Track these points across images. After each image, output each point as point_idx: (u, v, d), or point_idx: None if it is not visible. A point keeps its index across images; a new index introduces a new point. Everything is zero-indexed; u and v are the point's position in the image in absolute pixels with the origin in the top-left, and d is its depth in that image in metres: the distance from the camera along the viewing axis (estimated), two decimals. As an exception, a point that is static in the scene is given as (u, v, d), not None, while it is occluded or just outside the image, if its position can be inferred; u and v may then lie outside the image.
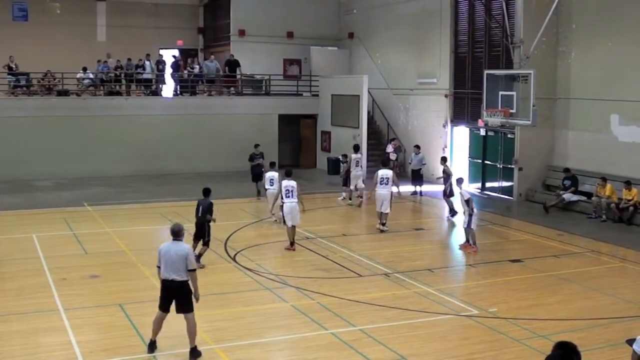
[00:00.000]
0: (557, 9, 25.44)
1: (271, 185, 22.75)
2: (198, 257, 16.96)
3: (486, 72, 26.05)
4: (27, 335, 12.98)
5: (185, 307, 11.93)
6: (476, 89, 29.08)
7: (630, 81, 25.11)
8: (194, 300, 12.04)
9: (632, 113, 25.12)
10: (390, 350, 12.30)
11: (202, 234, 17.84)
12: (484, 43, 30.89)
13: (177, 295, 11.87)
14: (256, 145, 28.29)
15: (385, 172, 22.31)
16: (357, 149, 28.02)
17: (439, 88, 33.08)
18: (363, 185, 27.35)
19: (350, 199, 27.34)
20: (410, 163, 29.86)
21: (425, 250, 20.55)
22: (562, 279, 17.33)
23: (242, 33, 39.52)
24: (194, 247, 17.37)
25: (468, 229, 19.68)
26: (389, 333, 13.15)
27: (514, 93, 24.04)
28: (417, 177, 29.67)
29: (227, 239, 20.83)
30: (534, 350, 12.25)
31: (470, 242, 19.78)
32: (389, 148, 34.04)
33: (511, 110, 23.96)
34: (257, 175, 27.62)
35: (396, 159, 33.75)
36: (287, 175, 20.36)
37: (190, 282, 11.94)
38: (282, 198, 19.95)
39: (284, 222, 20.14)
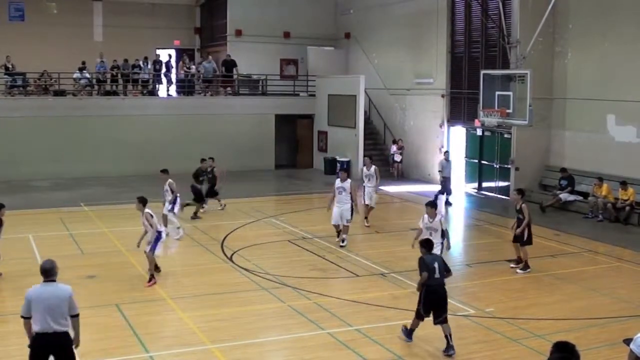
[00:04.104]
0: (553, 9, 25.47)
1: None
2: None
3: (483, 72, 26.12)
4: (24, 335, 12.90)
5: None
6: (473, 89, 29.07)
7: (627, 81, 25.13)
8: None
9: (628, 113, 25.14)
10: (387, 350, 12.31)
11: (438, 306, 12.36)
12: (480, 43, 30.89)
13: (57, 350, 9.52)
14: None
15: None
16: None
17: (435, 88, 33.08)
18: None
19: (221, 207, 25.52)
20: (440, 171, 27.91)
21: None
22: (559, 278, 17.34)
23: (238, 33, 39.50)
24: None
25: None
26: (386, 333, 13.16)
27: (510, 93, 24.09)
28: (448, 186, 27.90)
29: (224, 239, 20.83)
30: (531, 350, 12.28)
31: None
32: (393, 149, 33.98)
33: (508, 110, 24.01)
34: None
35: (400, 161, 33.79)
36: (145, 203, 16.66)
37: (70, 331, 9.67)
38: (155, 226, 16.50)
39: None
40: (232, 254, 19.06)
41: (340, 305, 14.93)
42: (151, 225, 16.17)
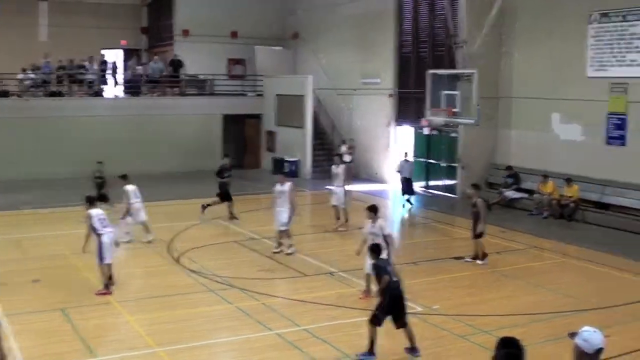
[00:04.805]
0: (499, 10, 25.71)
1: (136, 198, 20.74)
2: None
3: (430, 71, 26.26)
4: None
5: None
6: (420, 88, 29.17)
7: (571, 81, 25.52)
8: None
9: (572, 112, 25.53)
10: (335, 348, 12.33)
11: (400, 309, 12.11)
12: (427, 43, 31.10)
13: None
14: None
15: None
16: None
17: (382, 88, 33.22)
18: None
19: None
20: (399, 172, 28.03)
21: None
22: (505, 275, 17.55)
23: (185, 33, 39.25)
24: None
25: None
26: (334, 332, 13.19)
27: (457, 92, 24.29)
28: (410, 186, 27.74)
29: (171, 240, 20.65)
30: (478, 346, 12.39)
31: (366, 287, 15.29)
32: (343, 149, 33.89)
33: (455, 110, 24.21)
34: None
35: (351, 161, 33.69)
36: (92, 203, 16.27)
37: None
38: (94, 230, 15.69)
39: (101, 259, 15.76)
40: (179, 256, 18.92)
41: (288, 305, 14.94)
42: (94, 229, 15.73)
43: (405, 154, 28.49)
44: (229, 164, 24.92)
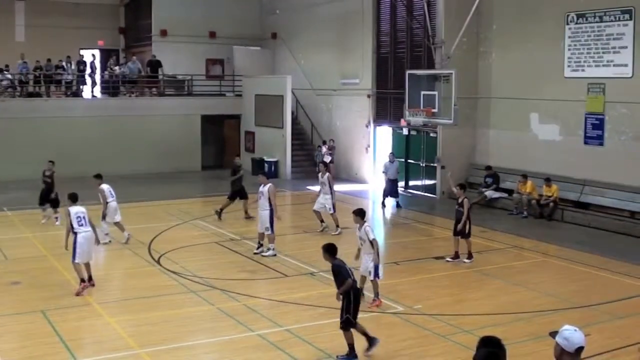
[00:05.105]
0: (477, 10, 25.78)
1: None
2: None
3: (408, 72, 26.34)
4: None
5: None
6: (398, 89, 29.28)
7: (549, 81, 25.65)
8: None
9: (551, 112, 25.67)
10: (316, 349, 12.35)
11: (358, 309, 12.17)
12: (405, 43, 31.15)
13: None
14: None
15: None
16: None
17: (361, 88, 33.24)
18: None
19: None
20: (385, 172, 27.54)
21: (351, 249, 20.53)
22: (486, 274, 17.62)
23: (163, 33, 39.12)
24: None
25: (375, 281, 14.85)
26: (316, 332, 13.19)
27: (435, 93, 24.33)
28: (394, 188, 27.38)
29: (151, 241, 20.58)
30: (460, 346, 12.43)
31: (373, 294, 14.94)
32: (323, 149, 33.81)
33: (433, 110, 24.25)
34: None
35: (331, 161, 33.62)
36: (73, 200, 16.39)
37: None
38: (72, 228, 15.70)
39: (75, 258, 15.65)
40: (160, 257, 18.85)
41: (270, 306, 14.94)
42: (71, 227, 15.70)
43: (392, 154, 28.04)
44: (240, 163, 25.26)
